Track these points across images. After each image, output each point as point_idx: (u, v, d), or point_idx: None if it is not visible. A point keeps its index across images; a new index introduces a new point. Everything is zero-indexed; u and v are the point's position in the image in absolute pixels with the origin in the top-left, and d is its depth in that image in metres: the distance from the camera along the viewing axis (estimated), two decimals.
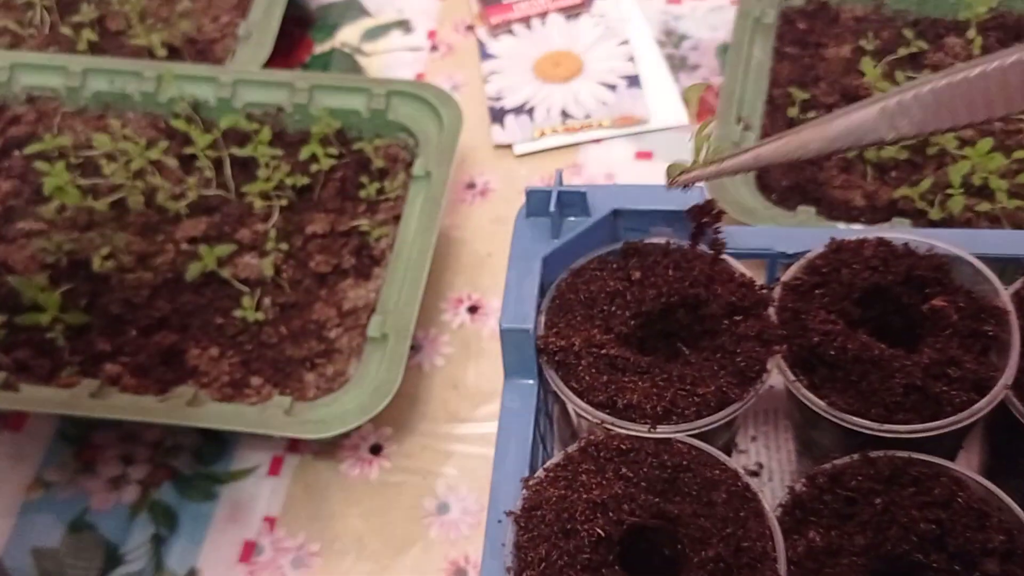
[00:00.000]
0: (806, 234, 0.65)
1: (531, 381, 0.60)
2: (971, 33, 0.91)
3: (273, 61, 0.97)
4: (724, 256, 0.62)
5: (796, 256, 0.63)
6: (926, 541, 0.52)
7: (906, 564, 0.52)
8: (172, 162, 0.89)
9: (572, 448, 0.56)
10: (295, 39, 1.05)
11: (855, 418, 0.55)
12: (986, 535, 0.52)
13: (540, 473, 0.55)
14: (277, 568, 0.74)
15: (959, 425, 0.54)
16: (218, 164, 0.89)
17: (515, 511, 0.54)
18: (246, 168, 0.89)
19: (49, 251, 0.84)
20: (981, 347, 0.57)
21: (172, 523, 0.76)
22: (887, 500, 0.53)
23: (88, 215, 0.87)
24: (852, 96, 0.89)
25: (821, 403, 0.56)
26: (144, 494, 0.78)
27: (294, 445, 0.78)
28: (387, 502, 0.77)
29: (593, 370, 0.58)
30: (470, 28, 1.05)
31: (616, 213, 0.63)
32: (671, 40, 1.01)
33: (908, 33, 0.92)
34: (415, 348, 0.84)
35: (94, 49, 0.99)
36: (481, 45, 1.03)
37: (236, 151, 0.88)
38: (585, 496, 0.53)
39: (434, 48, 1.04)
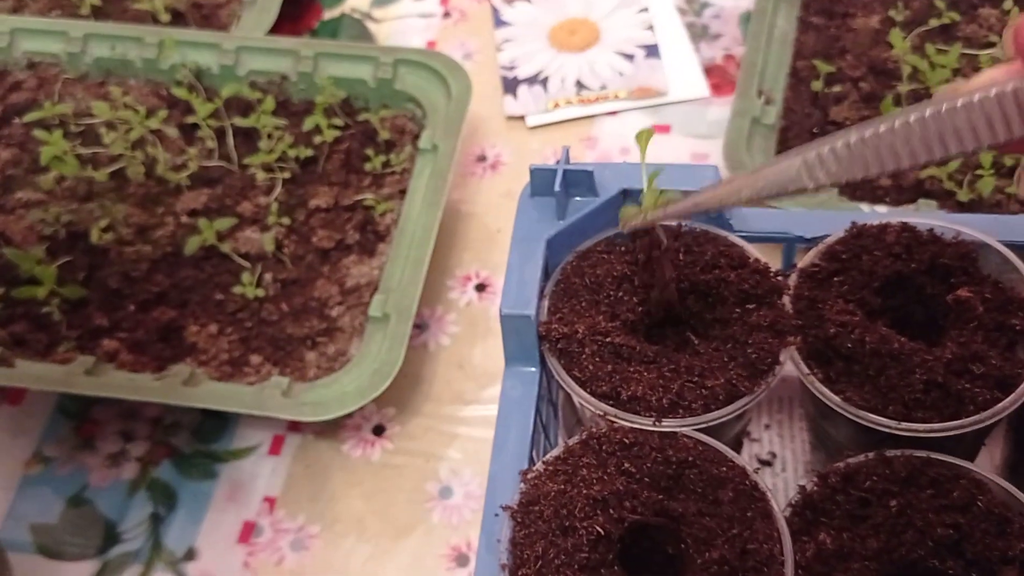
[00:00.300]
0: (825, 217, 0.62)
1: (533, 368, 0.58)
2: (1008, 3, 0.87)
3: (281, 27, 0.94)
4: (738, 240, 0.59)
5: (814, 241, 0.60)
6: (943, 547, 0.50)
7: (921, 570, 0.50)
8: (173, 132, 0.86)
9: (573, 441, 0.54)
10: (304, 4, 1.02)
11: (872, 415, 0.53)
12: (1006, 542, 0.49)
13: (539, 466, 0.53)
14: (276, 550, 0.73)
15: (981, 425, 0.52)
16: (220, 134, 0.86)
17: (512, 506, 0.52)
18: (249, 139, 0.86)
19: (47, 222, 0.82)
20: (1007, 342, 0.54)
21: (171, 502, 0.75)
22: (903, 502, 0.51)
23: (87, 185, 0.85)
24: (880, 70, 0.85)
25: (836, 398, 0.54)
26: (143, 471, 0.76)
27: (295, 424, 0.77)
28: (389, 484, 0.75)
29: (597, 359, 0.55)
30: None
31: (625, 193, 0.61)
32: (692, 8, 0.97)
33: (940, 3, 0.87)
34: (420, 327, 0.81)
35: (97, 14, 0.97)
36: (495, 11, 1.00)
37: (239, 121, 0.86)
38: (585, 492, 0.51)
39: (447, 15, 1.01)
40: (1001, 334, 0.54)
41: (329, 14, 1.01)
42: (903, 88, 0.82)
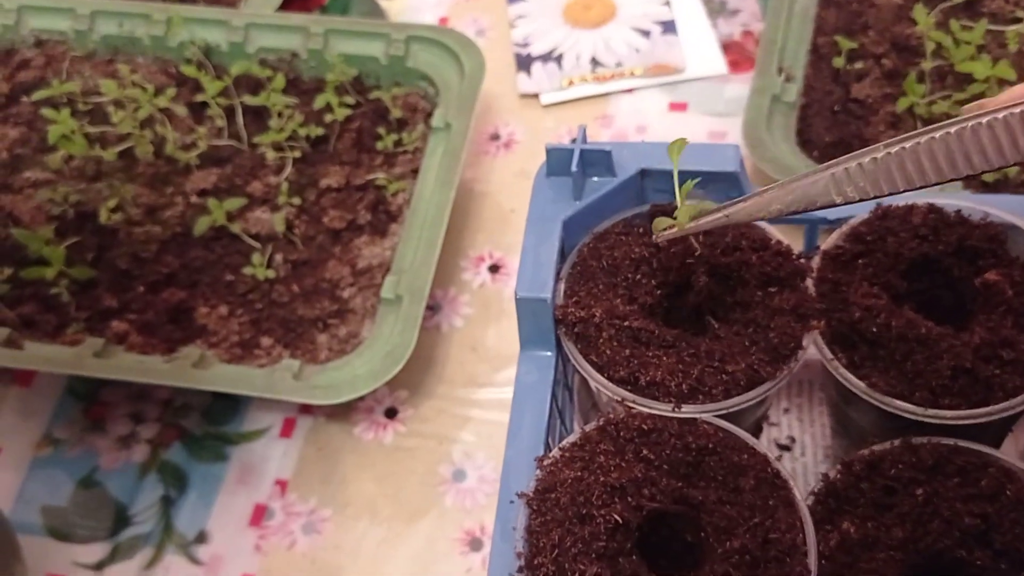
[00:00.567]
0: None
1: (548, 353, 0.57)
2: None
3: (291, 3, 0.92)
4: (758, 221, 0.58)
5: (838, 222, 0.59)
6: (970, 536, 0.48)
7: (947, 561, 0.49)
8: (182, 110, 0.85)
9: (590, 427, 0.52)
10: None
11: (897, 401, 0.51)
12: None
13: (555, 452, 0.52)
14: (288, 533, 0.72)
15: (1011, 412, 0.50)
16: (230, 113, 0.85)
17: (527, 493, 0.51)
18: (259, 117, 0.85)
19: (55, 202, 0.81)
20: None
21: (182, 484, 0.74)
22: (929, 491, 0.50)
23: (96, 165, 0.84)
24: (903, 46, 0.83)
25: (861, 384, 0.52)
26: (153, 454, 0.76)
27: (307, 407, 0.76)
28: (401, 467, 0.74)
29: (615, 343, 0.54)
30: None
31: (643, 173, 0.59)
32: None
33: None
34: (433, 308, 0.80)
35: None
36: None
37: (248, 99, 0.84)
38: (602, 479, 0.50)
39: None
40: None
41: None
42: (927, 65, 0.80)
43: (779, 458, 0.51)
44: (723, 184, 0.59)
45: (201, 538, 0.72)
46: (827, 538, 0.49)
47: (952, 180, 0.42)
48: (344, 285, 0.77)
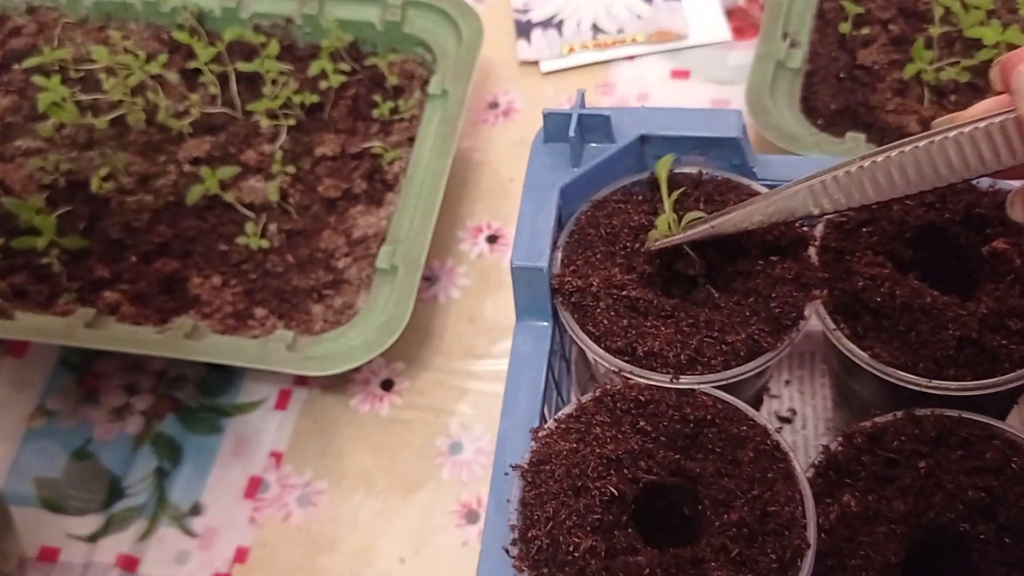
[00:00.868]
0: None
1: (545, 323, 0.56)
2: None
3: None
4: (761, 188, 0.57)
5: None
6: (974, 510, 0.47)
7: (950, 534, 0.48)
8: (174, 77, 0.84)
9: (586, 398, 0.51)
10: None
11: (901, 372, 0.50)
12: None
13: (551, 424, 0.51)
14: (283, 505, 0.71)
15: (1017, 383, 0.49)
16: (223, 80, 0.83)
17: (522, 465, 0.50)
18: (252, 84, 0.83)
19: (47, 171, 0.80)
20: None
21: (176, 456, 0.74)
22: (932, 463, 0.48)
23: (88, 133, 0.82)
24: (911, 11, 0.81)
25: (863, 355, 0.51)
26: (147, 425, 0.75)
27: (302, 378, 0.75)
28: (398, 440, 0.73)
29: (612, 313, 0.53)
30: None
31: (643, 139, 0.58)
32: None
33: None
34: (430, 279, 0.79)
35: None
36: None
37: (242, 66, 0.83)
38: (598, 451, 0.49)
39: None
40: None
41: None
42: (935, 31, 0.78)
43: (779, 430, 0.50)
44: (725, 150, 0.57)
45: (195, 510, 0.71)
46: (827, 511, 0.48)
47: (923, 192, 0.44)
48: (339, 255, 0.75)
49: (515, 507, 0.49)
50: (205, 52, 0.83)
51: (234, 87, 0.83)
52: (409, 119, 0.81)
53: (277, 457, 0.73)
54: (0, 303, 0.73)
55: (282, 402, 0.75)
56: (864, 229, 0.54)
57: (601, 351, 0.52)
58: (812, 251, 0.54)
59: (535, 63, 0.90)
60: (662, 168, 0.56)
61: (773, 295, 0.52)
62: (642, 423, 0.50)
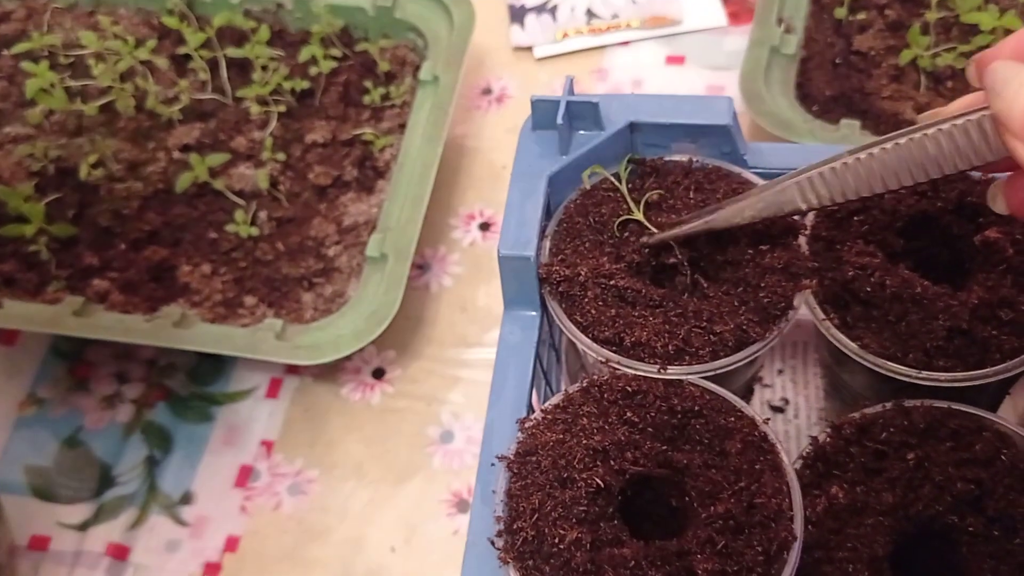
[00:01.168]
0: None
1: (533, 312, 0.55)
2: None
3: None
4: (752, 176, 0.56)
5: None
6: (962, 502, 0.47)
7: (938, 527, 0.47)
8: (164, 63, 0.83)
9: (573, 388, 0.51)
10: None
11: (890, 363, 0.50)
12: None
13: (537, 415, 0.51)
14: (274, 494, 0.71)
15: (1008, 375, 0.48)
16: (213, 65, 0.83)
17: (508, 456, 0.49)
18: (243, 70, 0.83)
19: (36, 158, 0.79)
20: None
21: (166, 445, 0.73)
22: (921, 455, 0.48)
23: (77, 120, 0.82)
24: None
25: (853, 345, 0.51)
26: (138, 414, 0.75)
27: (293, 367, 0.75)
28: (389, 429, 0.73)
29: (600, 303, 0.52)
30: None
31: (633, 126, 0.57)
32: None
33: None
34: (422, 267, 0.79)
35: None
36: None
37: (232, 52, 0.82)
38: (585, 442, 0.48)
39: None
40: None
41: None
42: (931, 16, 0.77)
43: (767, 421, 0.49)
44: (715, 138, 0.57)
45: (186, 499, 0.71)
46: (814, 503, 0.48)
47: (909, 187, 0.45)
48: (329, 243, 0.75)
49: (501, 498, 0.48)
50: (195, 37, 0.82)
51: (224, 73, 0.82)
52: (400, 105, 0.80)
53: (268, 446, 0.73)
54: None
55: (273, 390, 0.75)
56: (855, 218, 0.54)
57: (589, 341, 0.52)
58: (802, 240, 0.54)
59: (529, 49, 0.89)
60: (622, 172, 0.56)
61: (762, 285, 0.51)
62: (629, 414, 0.49)
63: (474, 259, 0.79)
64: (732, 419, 0.49)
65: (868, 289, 0.51)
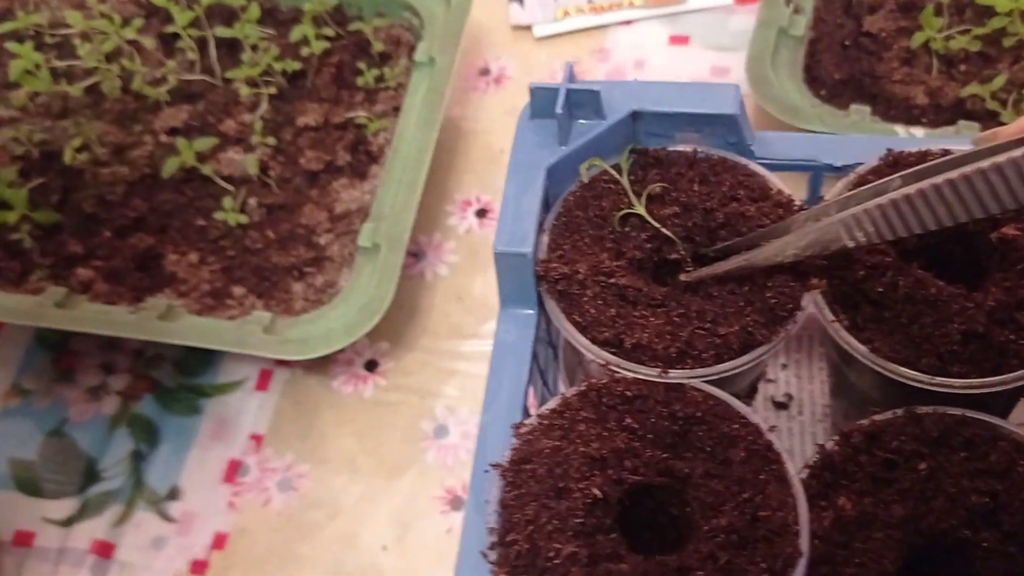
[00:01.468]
0: (857, 143, 0.56)
1: (530, 311, 0.53)
2: None
3: None
4: (759, 168, 0.54)
5: (845, 169, 0.55)
6: (976, 516, 0.45)
7: (951, 541, 0.45)
8: (151, 43, 0.80)
9: (571, 392, 0.49)
10: None
11: (902, 368, 0.48)
12: None
13: (533, 420, 0.49)
14: (263, 490, 0.69)
15: None
16: (202, 45, 0.80)
17: (502, 464, 0.47)
18: (233, 50, 0.80)
19: (19, 141, 0.76)
20: None
21: (153, 438, 0.72)
22: (933, 465, 0.46)
23: (62, 101, 0.79)
24: None
25: (862, 348, 0.49)
26: (124, 406, 0.73)
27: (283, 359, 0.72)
28: (382, 422, 0.71)
29: (599, 302, 0.50)
30: None
31: (635, 115, 0.55)
32: None
33: None
34: (417, 255, 0.76)
35: None
36: None
37: (221, 31, 0.79)
38: (582, 449, 0.46)
39: None
40: None
41: None
42: None
43: (772, 429, 0.47)
44: (721, 127, 0.54)
45: (173, 494, 0.70)
46: (821, 516, 0.46)
47: (963, 222, 0.42)
48: (321, 231, 0.73)
49: (494, 508, 0.46)
50: (183, 16, 0.79)
51: (213, 53, 0.79)
52: (395, 87, 0.78)
53: (257, 439, 0.71)
54: None
55: (263, 382, 0.73)
56: None
57: (587, 342, 0.50)
58: None
59: (528, 28, 0.86)
60: (623, 164, 0.54)
61: (769, 284, 0.49)
62: (628, 420, 0.47)
63: (470, 247, 0.77)
64: (736, 426, 0.47)
65: (879, 289, 0.49)
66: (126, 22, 0.80)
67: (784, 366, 0.68)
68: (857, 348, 0.49)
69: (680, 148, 0.55)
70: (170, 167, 0.74)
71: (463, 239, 0.77)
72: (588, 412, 0.48)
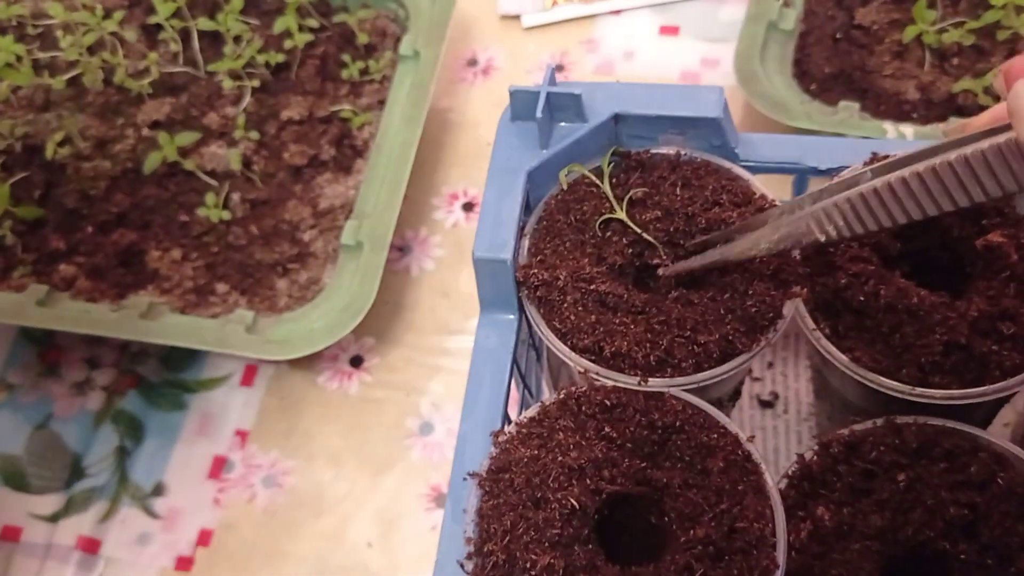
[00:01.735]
0: (843, 145, 0.55)
1: (511, 316, 0.53)
2: None
3: None
4: (742, 172, 0.53)
5: (830, 172, 0.54)
6: (955, 528, 0.45)
7: (929, 553, 0.45)
8: (133, 34, 0.79)
9: (549, 400, 0.49)
10: None
11: (882, 378, 0.47)
12: None
13: (511, 428, 0.48)
14: (248, 486, 0.69)
15: (1006, 393, 0.46)
16: (185, 36, 0.79)
17: (480, 473, 0.47)
18: (216, 42, 0.79)
19: (2, 136, 0.76)
20: None
21: (138, 434, 0.71)
22: (912, 476, 0.46)
23: (44, 94, 0.78)
24: None
25: (843, 357, 0.48)
26: (109, 402, 0.73)
27: None
28: (367, 419, 0.71)
29: (580, 308, 0.50)
30: None
31: (617, 118, 0.54)
32: None
33: None
34: (403, 250, 0.76)
35: None
36: None
37: (204, 23, 0.78)
38: (560, 459, 0.46)
39: None
40: None
41: None
42: None
43: (751, 439, 0.47)
44: (705, 130, 0.54)
45: (158, 490, 0.70)
46: (799, 527, 0.45)
47: (933, 216, 0.41)
48: (305, 227, 0.72)
49: (472, 518, 0.46)
50: (165, 7, 0.78)
51: (196, 44, 0.78)
52: (380, 80, 0.77)
53: (243, 436, 0.71)
54: None
55: (248, 378, 0.73)
56: None
57: (567, 350, 0.49)
58: None
59: (516, 17, 0.85)
60: (605, 167, 0.53)
61: (750, 292, 0.49)
62: (607, 429, 0.47)
63: (457, 241, 0.77)
64: (715, 436, 0.47)
65: (861, 298, 0.48)
66: (108, 14, 0.79)
67: (770, 364, 0.68)
68: (838, 357, 0.48)
69: (663, 151, 0.54)
70: (152, 162, 0.73)
71: (449, 233, 0.77)
72: (567, 420, 0.47)
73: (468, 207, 0.78)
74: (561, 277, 0.50)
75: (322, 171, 0.74)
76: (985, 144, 0.38)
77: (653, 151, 0.54)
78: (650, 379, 0.48)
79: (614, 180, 0.54)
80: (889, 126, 0.68)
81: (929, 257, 0.52)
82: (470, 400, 0.51)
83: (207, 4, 0.80)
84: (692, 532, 0.44)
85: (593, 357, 0.49)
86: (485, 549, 0.45)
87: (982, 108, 0.70)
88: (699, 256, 0.50)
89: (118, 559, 0.67)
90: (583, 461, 0.46)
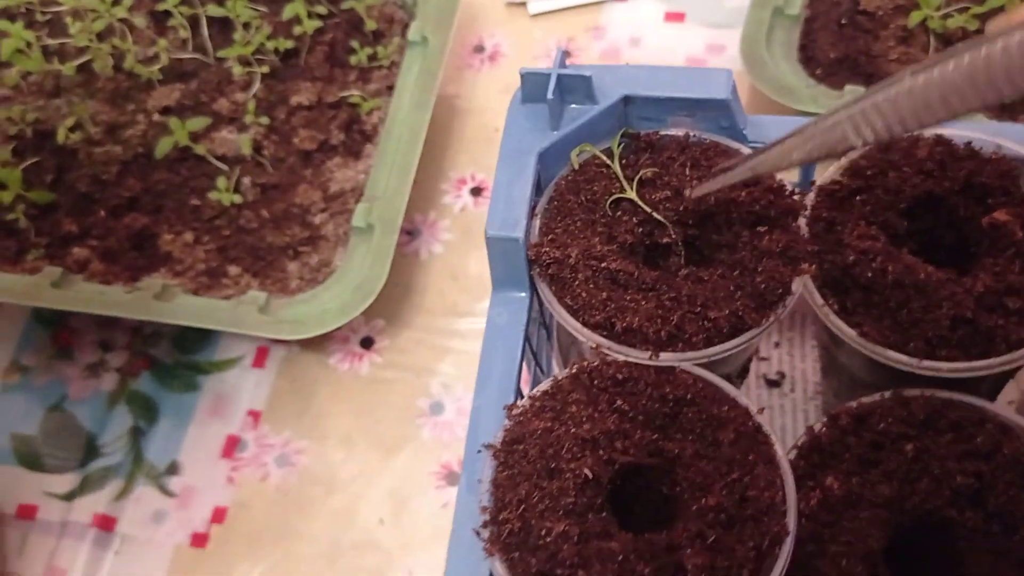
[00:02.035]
0: None
1: (522, 294, 0.53)
2: None
3: None
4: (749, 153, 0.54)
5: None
6: (962, 496, 0.46)
7: (935, 521, 0.46)
8: (142, 20, 0.80)
9: (562, 375, 0.49)
10: None
11: (890, 352, 0.48)
12: None
13: (525, 402, 0.49)
14: (261, 465, 0.70)
15: (1012, 366, 0.47)
16: (194, 23, 0.79)
17: (495, 444, 0.48)
18: (226, 28, 0.79)
19: (13, 121, 0.76)
20: None
21: (152, 415, 0.72)
22: (919, 447, 0.47)
23: (55, 81, 0.79)
24: None
25: (851, 332, 0.49)
26: (122, 383, 0.73)
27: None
28: (378, 400, 0.72)
29: (591, 285, 0.50)
30: None
31: (627, 100, 0.55)
32: None
33: None
34: (412, 233, 0.77)
35: None
36: None
37: (213, 9, 0.79)
38: (574, 431, 0.47)
39: None
40: None
41: None
42: None
43: (761, 411, 0.48)
44: (713, 112, 0.54)
45: (172, 469, 0.70)
46: (808, 496, 0.46)
47: (980, 109, 0.37)
48: (315, 211, 0.73)
49: (487, 488, 0.47)
50: None
51: (205, 31, 0.79)
52: (388, 66, 0.78)
53: (255, 416, 0.72)
54: None
55: (260, 360, 0.73)
56: (857, 198, 0.52)
57: (579, 325, 0.50)
58: (802, 221, 0.52)
59: (523, 4, 0.86)
60: (615, 148, 0.54)
61: (759, 269, 0.50)
62: (619, 402, 0.48)
63: (465, 225, 0.77)
64: (725, 408, 0.48)
65: (869, 275, 0.49)
66: (117, 0, 0.80)
67: (777, 344, 0.68)
68: (846, 332, 0.49)
69: (672, 132, 0.55)
70: (163, 147, 0.74)
71: (458, 217, 0.78)
72: (579, 394, 0.48)
73: (476, 192, 0.79)
74: (572, 255, 0.51)
75: (332, 156, 0.75)
76: None
77: (662, 132, 0.55)
78: (661, 354, 0.49)
79: (624, 161, 0.55)
80: None
81: (935, 236, 0.53)
82: (483, 376, 0.52)
83: None
84: (704, 501, 0.45)
85: (605, 333, 0.50)
86: (500, 518, 0.46)
87: None
88: (728, 173, 0.49)
89: (134, 536, 0.68)
90: (596, 433, 0.47)
